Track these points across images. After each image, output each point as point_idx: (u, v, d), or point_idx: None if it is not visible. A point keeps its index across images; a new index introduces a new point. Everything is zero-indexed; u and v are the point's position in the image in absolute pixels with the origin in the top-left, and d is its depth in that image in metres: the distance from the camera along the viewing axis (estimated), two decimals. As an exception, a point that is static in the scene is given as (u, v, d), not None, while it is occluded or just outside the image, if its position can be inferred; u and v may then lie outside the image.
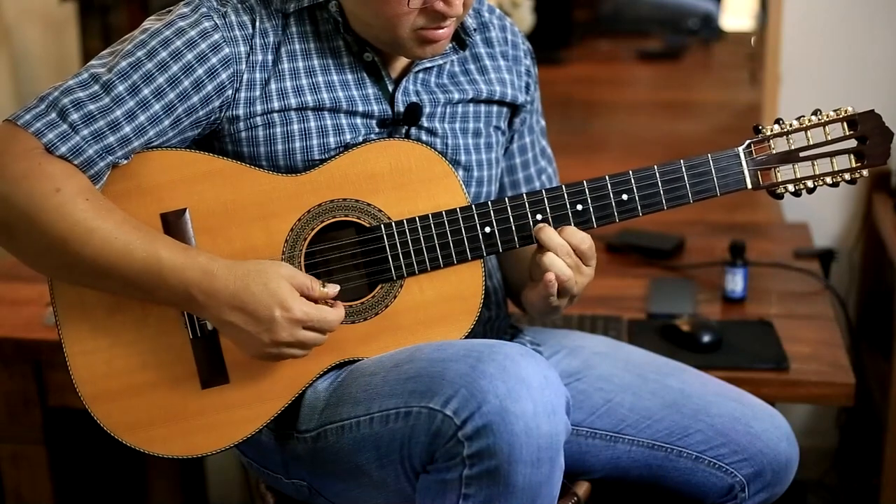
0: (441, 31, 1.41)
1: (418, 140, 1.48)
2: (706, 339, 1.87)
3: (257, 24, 1.43)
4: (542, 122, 1.69)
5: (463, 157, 1.53)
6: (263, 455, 1.53)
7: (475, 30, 1.55)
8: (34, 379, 2.01)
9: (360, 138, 1.46)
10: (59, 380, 2.00)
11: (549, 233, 1.43)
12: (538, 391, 1.26)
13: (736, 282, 2.07)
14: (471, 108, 1.54)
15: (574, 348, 1.65)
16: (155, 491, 2.52)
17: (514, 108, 1.60)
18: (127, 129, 1.35)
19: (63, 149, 1.32)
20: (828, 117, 1.48)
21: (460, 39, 1.53)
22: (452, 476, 1.28)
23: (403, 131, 1.49)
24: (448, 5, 1.38)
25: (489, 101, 1.56)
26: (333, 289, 1.38)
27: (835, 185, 1.49)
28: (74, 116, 1.33)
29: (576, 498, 1.55)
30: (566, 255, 1.43)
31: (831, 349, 1.89)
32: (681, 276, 2.21)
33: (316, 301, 1.37)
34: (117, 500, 2.52)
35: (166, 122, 1.38)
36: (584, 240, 1.44)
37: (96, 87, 1.35)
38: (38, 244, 1.32)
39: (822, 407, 2.66)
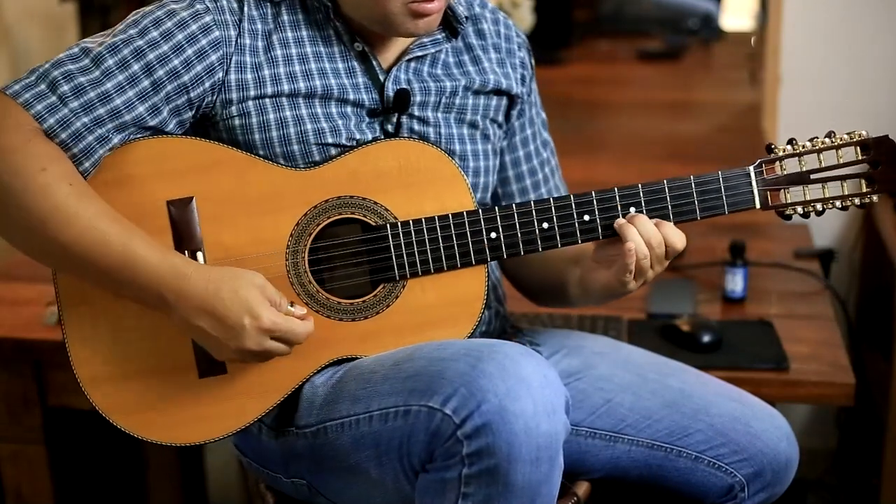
0: (432, 3, 1.40)
1: (411, 130, 1.48)
2: (706, 339, 1.87)
3: (245, 9, 1.44)
4: (543, 115, 1.70)
5: (457, 147, 1.53)
6: (262, 454, 1.53)
7: (467, 19, 1.55)
8: (34, 379, 2.01)
9: (352, 126, 1.46)
10: (59, 380, 2.00)
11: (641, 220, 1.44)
12: (538, 390, 1.26)
13: (736, 282, 2.07)
14: (469, 100, 1.54)
15: (574, 348, 1.65)
16: (155, 491, 2.52)
17: (511, 99, 1.60)
18: (117, 101, 1.36)
19: (51, 121, 1.32)
20: (841, 140, 1.47)
21: (452, 28, 1.53)
22: (452, 475, 1.28)
23: (394, 119, 1.49)
24: None
25: (483, 92, 1.56)
26: (300, 311, 1.38)
27: (844, 208, 1.48)
28: (64, 88, 1.33)
29: (576, 498, 1.55)
30: (658, 244, 1.43)
31: (831, 349, 1.89)
32: (681, 276, 2.21)
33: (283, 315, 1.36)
34: (117, 500, 2.52)
35: (155, 99, 1.38)
36: (681, 238, 1.45)
37: (87, 61, 1.36)
38: (19, 222, 1.32)
39: (822, 407, 2.66)
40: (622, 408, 1.57)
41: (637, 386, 1.58)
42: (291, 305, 1.37)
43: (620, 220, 1.45)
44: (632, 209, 1.46)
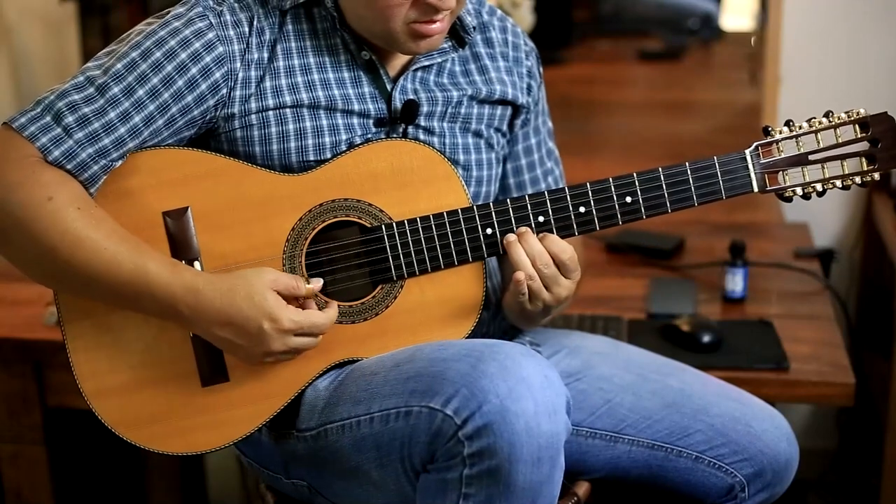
0: (434, 25, 1.40)
1: (416, 139, 1.48)
2: (706, 339, 1.87)
3: (254, 22, 1.43)
4: (549, 124, 1.69)
5: (461, 157, 1.53)
6: (263, 455, 1.53)
7: (475, 28, 1.54)
8: (34, 379, 2.01)
9: (357, 138, 1.46)
10: (59, 380, 2.00)
11: (529, 239, 1.42)
12: (539, 391, 1.26)
13: (736, 282, 2.07)
14: (474, 109, 1.54)
15: (574, 348, 1.65)
16: (155, 491, 2.52)
17: (515, 109, 1.60)
18: (122, 129, 1.35)
19: (56, 153, 1.32)
20: (839, 119, 1.46)
21: (459, 37, 1.52)
22: (453, 475, 1.28)
23: (401, 129, 1.48)
24: None
25: (489, 101, 1.56)
26: (317, 282, 1.39)
27: (845, 188, 1.47)
28: (69, 119, 1.33)
29: (576, 498, 1.55)
30: (544, 265, 1.41)
31: (831, 349, 1.89)
32: (681, 276, 2.21)
33: (304, 298, 1.37)
34: (117, 500, 2.52)
35: (160, 122, 1.38)
36: (564, 250, 1.42)
37: (91, 90, 1.35)
38: (30, 251, 1.33)
39: (822, 407, 2.66)
40: (622, 408, 1.57)
41: (637, 386, 1.58)
42: (308, 282, 1.37)
43: (510, 238, 1.43)
44: (627, 198, 1.45)
